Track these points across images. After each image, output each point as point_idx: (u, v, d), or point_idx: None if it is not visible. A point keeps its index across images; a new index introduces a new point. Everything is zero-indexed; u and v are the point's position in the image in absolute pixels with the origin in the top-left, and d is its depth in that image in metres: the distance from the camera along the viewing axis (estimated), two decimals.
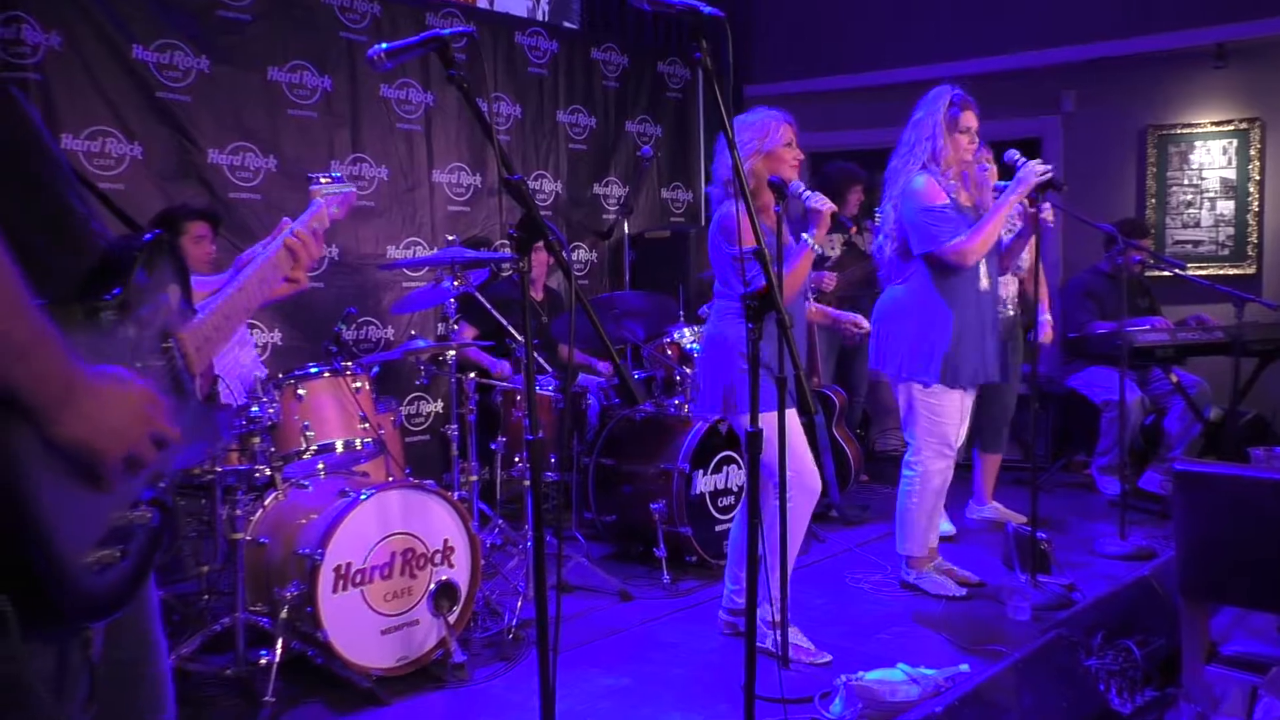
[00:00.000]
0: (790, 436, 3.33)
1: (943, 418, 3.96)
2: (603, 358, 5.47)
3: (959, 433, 4.09)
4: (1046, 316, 4.93)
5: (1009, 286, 4.88)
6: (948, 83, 4.00)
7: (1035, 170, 3.84)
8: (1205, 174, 6.49)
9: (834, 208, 3.35)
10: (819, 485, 3.49)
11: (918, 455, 4.03)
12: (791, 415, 3.29)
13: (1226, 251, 6.46)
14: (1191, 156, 6.52)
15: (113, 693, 1.23)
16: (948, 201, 3.87)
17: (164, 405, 1.20)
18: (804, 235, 3.37)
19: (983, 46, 6.73)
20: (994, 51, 6.70)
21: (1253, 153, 6.35)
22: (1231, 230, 6.45)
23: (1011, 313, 4.92)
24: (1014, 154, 4.03)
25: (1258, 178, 6.36)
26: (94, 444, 1.10)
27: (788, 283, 3.31)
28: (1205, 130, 6.47)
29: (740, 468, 4.51)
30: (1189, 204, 6.55)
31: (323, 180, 1.84)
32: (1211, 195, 6.49)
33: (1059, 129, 6.84)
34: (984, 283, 3.99)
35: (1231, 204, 6.44)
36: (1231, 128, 6.40)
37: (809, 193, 3.35)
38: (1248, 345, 5.14)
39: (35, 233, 1.15)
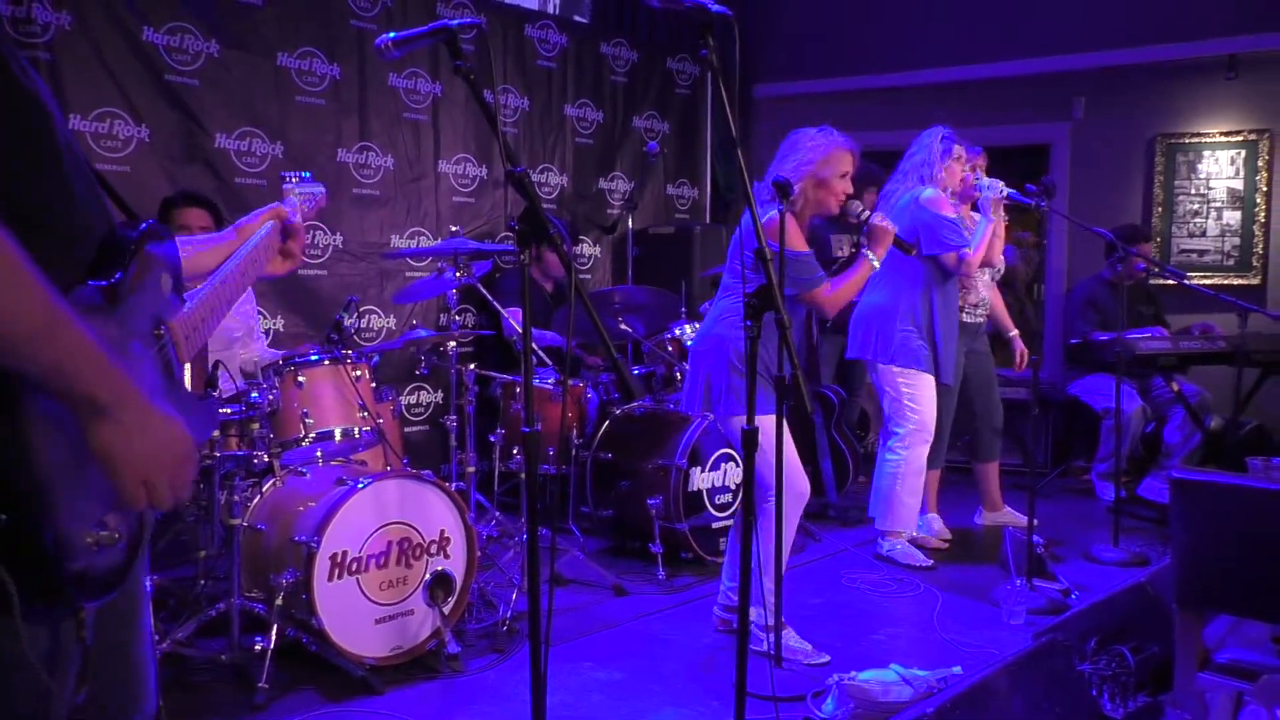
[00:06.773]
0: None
1: (922, 405, 4.40)
2: (595, 353, 5.46)
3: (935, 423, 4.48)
4: (1015, 332, 5.13)
5: (983, 292, 4.87)
6: (942, 125, 4.50)
7: (997, 189, 4.40)
8: (1213, 184, 6.48)
9: (895, 228, 3.60)
10: (807, 488, 3.48)
11: (902, 440, 4.42)
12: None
13: (1232, 262, 6.45)
14: (1200, 166, 6.51)
15: (98, 675, 1.23)
16: (957, 216, 4.37)
17: (195, 458, 1.23)
18: (865, 252, 3.53)
19: (995, 52, 6.73)
20: (1006, 57, 6.70)
21: (1260, 164, 6.35)
22: (1238, 240, 6.44)
23: (982, 319, 4.91)
24: (984, 182, 4.48)
25: (1265, 189, 6.35)
26: (125, 464, 1.12)
27: (844, 291, 3.50)
28: (1214, 140, 6.46)
29: (738, 466, 4.51)
30: (1195, 213, 6.54)
31: (292, 179, 1.87)
32: (1218, 205, 6.49)
33: (1068, 136, 6.83)
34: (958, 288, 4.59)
35: (1238, 214, 6.44)
36: (1240, 138, 6.39)
37: (869, 213, 3.56)
38: (1250, 355, 5.13)
39: (52, 205, 1.16)
